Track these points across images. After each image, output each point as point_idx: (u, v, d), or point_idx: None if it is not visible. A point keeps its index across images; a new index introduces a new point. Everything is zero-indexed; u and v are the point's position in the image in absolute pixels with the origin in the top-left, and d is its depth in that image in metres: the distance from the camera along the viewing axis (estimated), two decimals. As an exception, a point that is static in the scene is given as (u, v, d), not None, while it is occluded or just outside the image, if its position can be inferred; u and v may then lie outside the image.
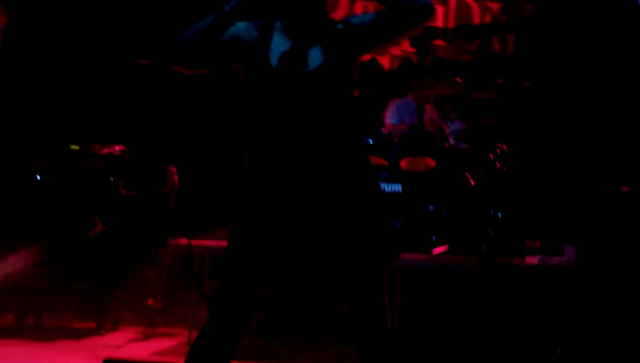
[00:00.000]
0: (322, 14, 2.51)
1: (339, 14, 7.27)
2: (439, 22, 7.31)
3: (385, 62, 7.32)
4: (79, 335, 5.10)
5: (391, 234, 2.49)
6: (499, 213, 5.68)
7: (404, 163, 5.84)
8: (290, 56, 2.42)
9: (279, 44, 2.44)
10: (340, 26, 2.49)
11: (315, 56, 2.42)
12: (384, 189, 5.76)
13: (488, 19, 7.23)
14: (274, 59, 2.42)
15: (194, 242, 5.24)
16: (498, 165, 5.90)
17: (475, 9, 7.26)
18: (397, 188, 5.82)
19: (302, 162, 2.38)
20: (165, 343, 5.02)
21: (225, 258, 2.45)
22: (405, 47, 7.33)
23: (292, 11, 2.46)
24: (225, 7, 2.41)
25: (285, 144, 2.39)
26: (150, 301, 5.15)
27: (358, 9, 7.39)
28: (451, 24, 7.30)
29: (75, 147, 5.37)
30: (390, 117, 6.45)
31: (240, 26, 2.47)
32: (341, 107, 2.43)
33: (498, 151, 5.93)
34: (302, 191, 2.37)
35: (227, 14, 2.41)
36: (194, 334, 4.07)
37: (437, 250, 5.42)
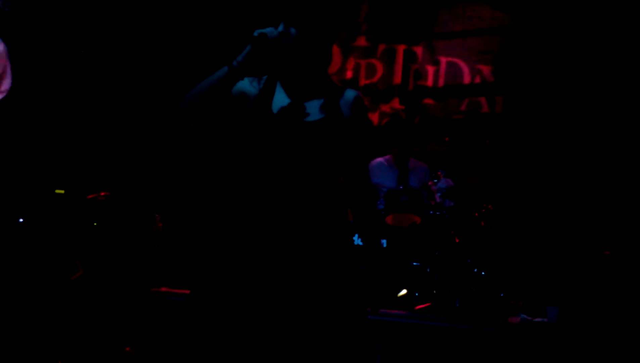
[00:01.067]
0: (322, 74, 2.58)
1: (331, 69, 7.38)
2: (429, 81, 7.41)
3: (374, 118, 7.40)
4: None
5: (361, 310, 2.48)
6: (483, 272, 5.67)
7: (389, 219, 5.85)
8: (290, 107, 2.48)
9: (281, 96, 2.52)
10: None
11: (314, 110, 2.49)
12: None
13: (477, 79, 7.34)
14: (275, 108, 2.48)
15: (177, 290, 5.23)
16: (483, 224, 5.90)
17: (465, 69, 7.37)
18: (382, 242, 5.81)
19: (280, 215, 2.40)
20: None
21: (190, 302, 2.44)
22: (394, 104, 7.42)
23: (295, 70, 2.53)
24: (234, 62, 2.45)
25: (268, 189, 2.42)
26: (127, 348, 5.08)
27: (350, 65, 7.50)
28: (441, 83, 7.40)
29: (60, 191, 5.37)
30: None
31: (245, 81, 2.54)
32: (331, 162, 2.48)
33: (483, 210, 5.94)
34: (277, 241, 2.39)
35: (235, 68, 2.45)
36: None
37: (420, 307, 5.39)
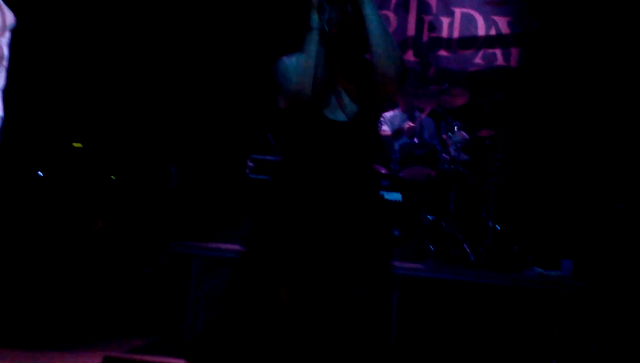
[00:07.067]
0: None
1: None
2: (443, 33, 7.35)
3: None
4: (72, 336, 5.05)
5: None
6: (498, 226, 5.70)
7: (404, 173, 5.86)
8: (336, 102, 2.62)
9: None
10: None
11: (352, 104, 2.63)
12: (382, 195, 5.77)
13: (493, 31, 7.27)
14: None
15: (192, 243, 5.26)
16: (498, 177, 5.91)
17: (480, 21, 7.30)
18: (397, 196, 5.84)
19: (327, 186, 2.56)
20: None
21: (242, 261, 2.58)
22: (408, 56, 7.37)
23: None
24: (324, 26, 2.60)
25: (316, 169, 2.58)
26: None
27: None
28: (455, 34, 7.33)
29: (77, 145, 5.39)
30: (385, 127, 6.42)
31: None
32: (368, 146, 2.65)
33: (498, 164, 5.94)
34: (322, 212, 2.54)
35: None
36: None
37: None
